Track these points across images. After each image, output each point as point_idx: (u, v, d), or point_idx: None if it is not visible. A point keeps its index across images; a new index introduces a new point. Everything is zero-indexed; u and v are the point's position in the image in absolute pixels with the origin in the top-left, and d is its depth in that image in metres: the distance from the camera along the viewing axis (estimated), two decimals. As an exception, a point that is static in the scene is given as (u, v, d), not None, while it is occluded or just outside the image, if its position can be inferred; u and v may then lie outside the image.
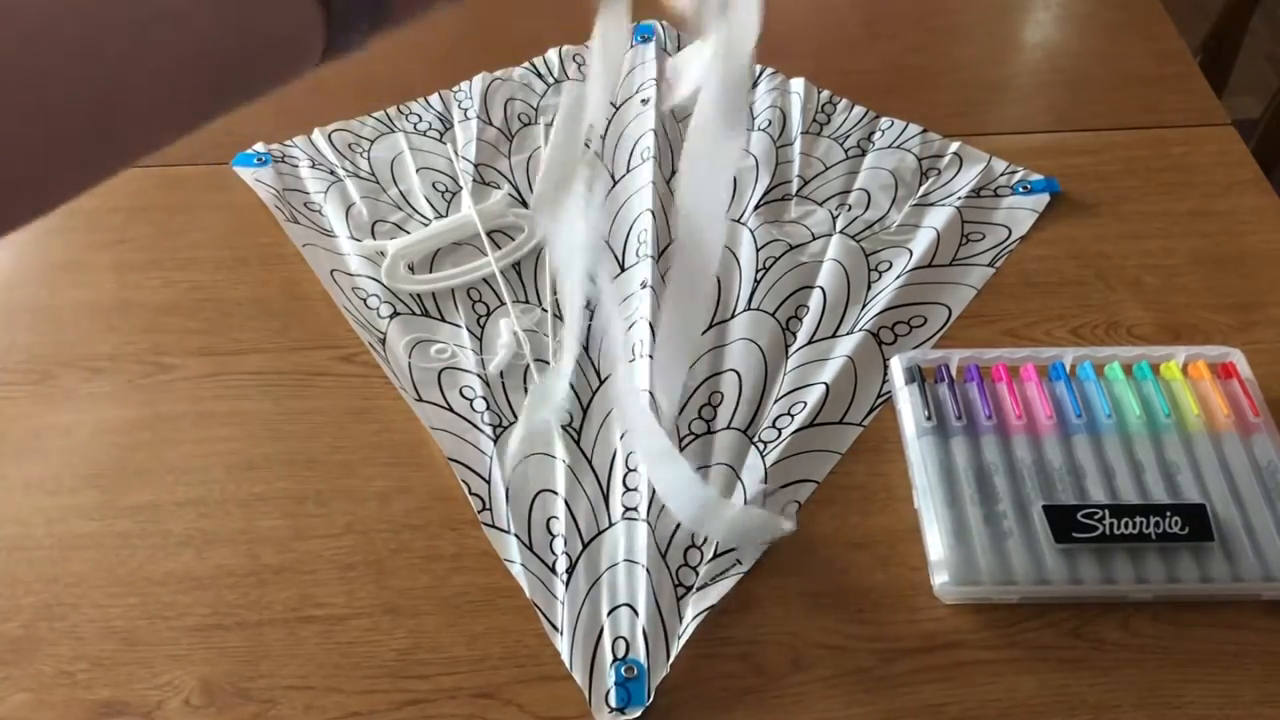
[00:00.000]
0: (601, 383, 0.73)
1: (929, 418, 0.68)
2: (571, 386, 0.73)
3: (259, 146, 0.89)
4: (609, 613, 0.62)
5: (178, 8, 0.32)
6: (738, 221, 0.83)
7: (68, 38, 0.29)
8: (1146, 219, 0.83)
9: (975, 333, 0.76)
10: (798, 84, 0.93)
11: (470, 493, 0.67)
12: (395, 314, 0.77)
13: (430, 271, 0.80)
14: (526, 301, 0.79)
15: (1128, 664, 0.60)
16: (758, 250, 0.80)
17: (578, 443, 0.70)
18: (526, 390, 0.73)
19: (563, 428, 0.70)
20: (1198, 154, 0.87)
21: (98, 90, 0.31)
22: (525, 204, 0.85)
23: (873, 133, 0.90)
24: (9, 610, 0.63)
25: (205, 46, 0.33)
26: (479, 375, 0.73)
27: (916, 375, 0.70)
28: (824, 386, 0.72)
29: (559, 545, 0.65)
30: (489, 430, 0.70)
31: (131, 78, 0.32)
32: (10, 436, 0.72)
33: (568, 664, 0.60)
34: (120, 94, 0.31)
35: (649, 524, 0.65)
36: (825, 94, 0.93)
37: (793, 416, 0.71)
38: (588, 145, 0.58)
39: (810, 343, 0.75)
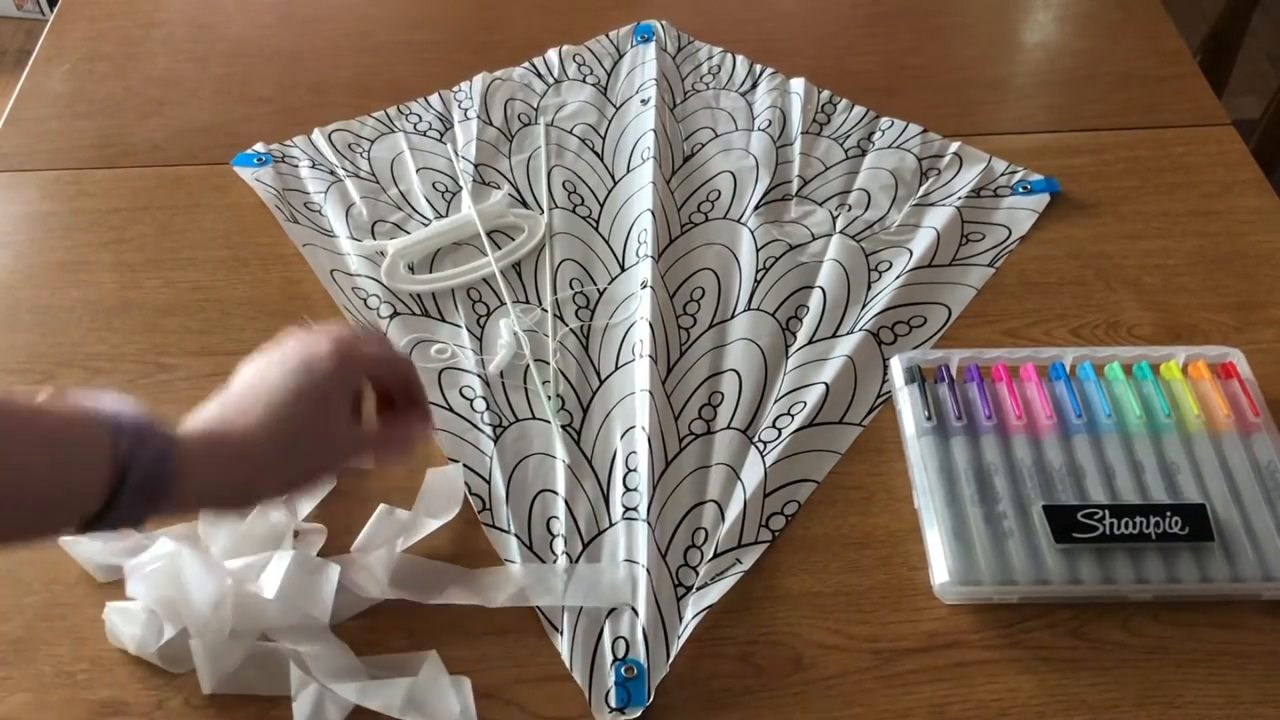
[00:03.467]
0: (602, 383, 0.73)
1: (929, 418, 0.68)
2: (572, 387, 0.73)
3: (259, 146, 0.89)
4: (609, 613, 0.62)
5: (17, 464, 0.46)
6: (738, 222, 0.83)
7: None
8: (1146, 219, 0.83)
9: (975, 333, 0.76)
10: (798, 84, 0.93)
11: (470, 493, 0.67)
12: (395, 314, 0.77)
13: (430, 271, 0.80)
14: (526, 301, 0.79)
15: (1128, 664, 0.60)
16: (758, 250, 0.80)
17: (578, 443, 0.70)
18: (526, 390, 0.73)
19: (562, 428, 0.71)
20: (1198, 154, 0.87)
21: None
22: (525, 204, 0.85)
23: (873, 133, 0.90)
24: (9, 610, 0.63)
25: (32, 489, 0.47)
26: (479, 375, 0.73)
27: (916, 375, 0.70)
28: (824, 386, 0.72)
29: (559, 545, 0.65)
30: (489, 430, 0.70)
31: None
32: (10, 436, 0.71)
33: (568, 664, 0.60)
34: None
35: (649, 524, 0.65)
36: (825, 94, 0.93)
37: (793, 416, 0.71)
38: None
39: (810, 343, 0.75)
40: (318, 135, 0.90)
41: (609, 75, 0.96)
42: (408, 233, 0.83)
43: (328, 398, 0.55)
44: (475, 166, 0.88)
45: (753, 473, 0.68)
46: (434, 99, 0.94)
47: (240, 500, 0.55)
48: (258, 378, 0.55)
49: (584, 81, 0.95)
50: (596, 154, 0.89)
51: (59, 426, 0.48)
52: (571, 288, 0.79)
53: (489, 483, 0.68)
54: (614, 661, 0.60)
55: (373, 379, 0.59)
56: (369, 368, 0.57)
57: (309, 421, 0.54)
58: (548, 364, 0.74)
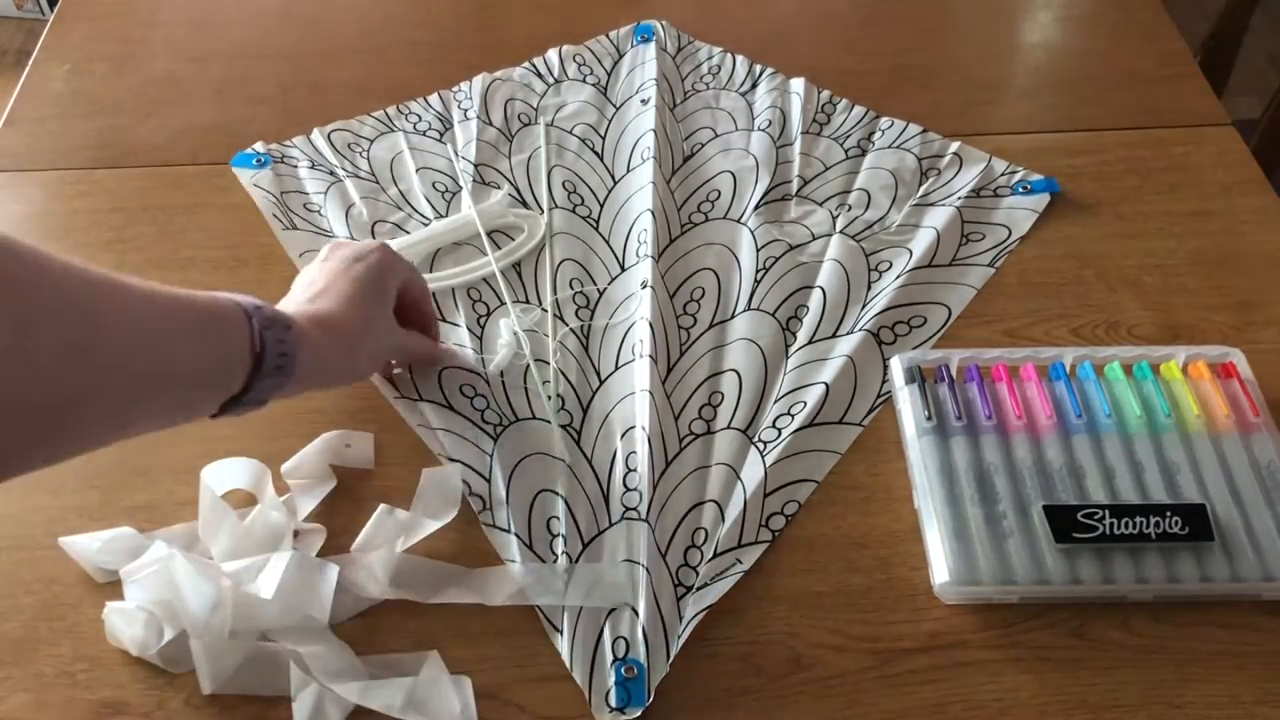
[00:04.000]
0: (602, 382, 0.73)
1: (929, 418, 0.68)
2: (572, 387, 0.73)
3: (259, 146, 0.89)
4: (609, 613, 0.62)
5: (163, 338, 0.50)
6: (738, 222, 0.83)
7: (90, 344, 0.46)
8: (1146, 219, 0.83)
9: (975, 333, 0.76)
10: (798, 84, 0.93)
11: (470, 493, 0.67)
12: (395, 314, 0.77)
13: (430, 271, 0.80)
14: (526, 301, 0.79)
15: (1128, 664, 0.60)
16: (758, 250, 0.80)
17: (578, 443, 0.70)
18: (526, 390, 0.73)
19: (562, 427, 0.71)
20: (1198, 154, 0.87)
21: (94, 384, 0.47)
22: (525, 204, 0.85)
23: (873, 133, 0.90)
24: (9, 610, 0.63)
25: (174, 365, 0.51)
26: (479, 375, 0.73)
27: (916, 375, 0.70)
28: (824, 386, 0.72)
29: (559, 545, 0.65)
30: (489, 430, 0.70)
31: (125, 379, 0.48)
32: (10, 436, 0.71)
33: (568, 664, 0.60)
34: (103, 393, 0.48)
35: (649, 524, 0.65)
36: (825, 94, 0.93)
37: (793, 416, 0.71)
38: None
39: (810, 342, 0.75)
40: (317, 135, 0.90)
41: (609, 75, 0.96)
42: (407, 233, 0.83)
43: (385, 283, 0.65)
44: (475, 166, 0.88)
45: (753, 473, 0.68)
46: (434, 99, 0.94)
47: (337, 374, 0.64)
48: (320, 275, 0.64)
49: (584, 81, 0.95)
50: (596, 154, 0.89)
51: (204, 311, 0.52)
52: (571, 288, 0.79)
53: (489, 482, 0.68)
54: (614, 661, 0.60)
55: (403, 284, 0.67)
56: (405, 269, 0.68)
57: (374, 302, 0.64)
58: (548, 364, 0.74)
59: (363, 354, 0.64)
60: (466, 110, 0.93)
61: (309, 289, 0.63)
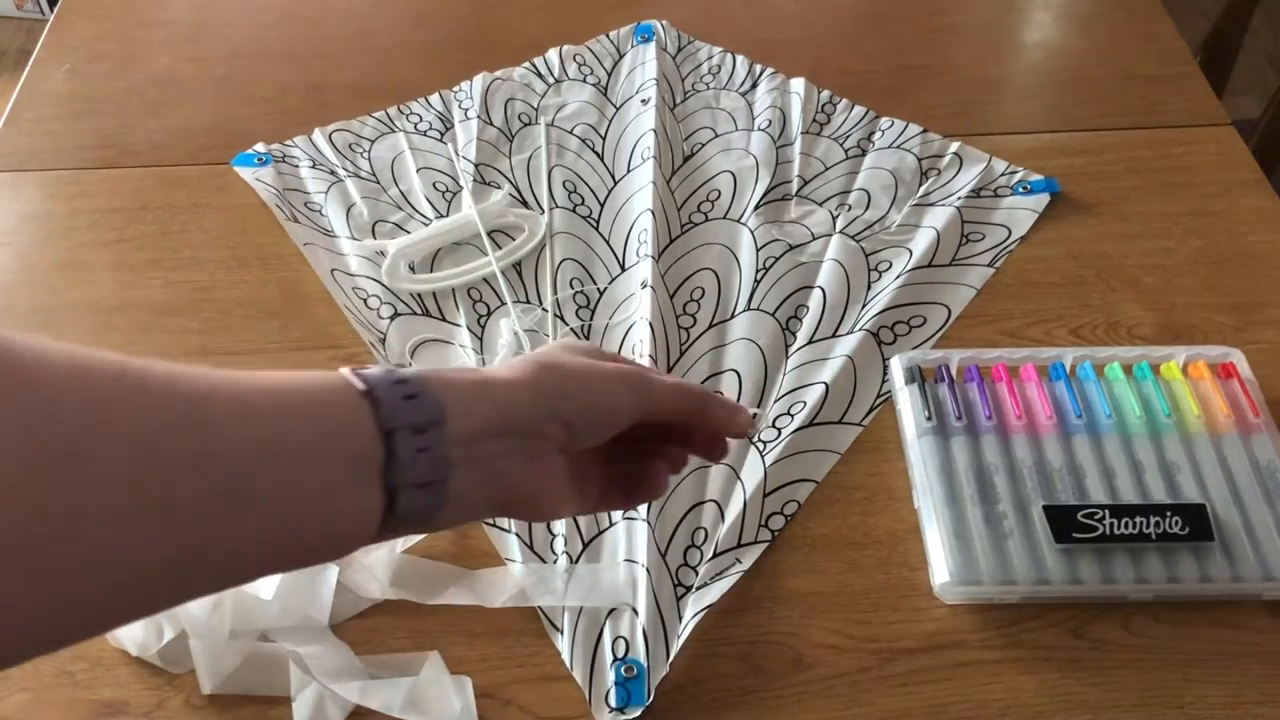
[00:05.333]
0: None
1: (929, 418, 0.68)
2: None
3: (259, 146, 0.89)
4: (609, 613, 0.62)
5: (260, 494, 0.33)
6: (738, 222, 0.83)
7: (157, 499, 0.30)
8: (1146, 219, 0.83)
9: (975, 333, 0.76)
10: (798, 84, 0.93)
11: (470, 493, 0.67)
12: (396, 314, 0.77)
13: (431, 271, 0.80)
14: (527, 301, 0.79)
15: (1128, 664, 0.60)
16: (758, 250, 0.80)
17: (578, 443, 0.70)
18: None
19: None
20: (1198, 154, 0.87)
21: (173, 546, 0.31)
22: (525, 204, 0.85)
23: (873, 133, 0.90)
24: (9, 610, 0.63)
25: (275, 528, 0.34)
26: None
27: (916, 375, 0.70)
28: (824, 386, 0.72)
29: (559, 545, 0.65)
30: (489, 430, 0.70)
31: (202, 542, 0.32)
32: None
33: (568, 664, 0.60)
34: (189, 554, 0.32)
35: (649, 524, 0.65)
36: (825, 94, 0.93)
37: (793, 416, 0.71)
38: None
39: (810, 342, 0.75)
40: (318, 135, 0.90)
41: (609, 75, 0.96)
42: (408, 232, 0.83)
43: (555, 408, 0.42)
44: (475, 166, 0.88)
45: (752, 472, 0.68)
46: (434, 99, 0.94)
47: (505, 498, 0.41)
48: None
49: (584, 81, 0.95)
50: (597, 154, 0.89)
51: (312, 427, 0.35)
52: (572, 287, 0.79)
53: (489, 483, 0.68)
54: (614, 661, 0.60)
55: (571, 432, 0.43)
56: (585, 404, 0.43)
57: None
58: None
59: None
60: (467, 110, 0.93)
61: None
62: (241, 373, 0.34)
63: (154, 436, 0.31)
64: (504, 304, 0.78)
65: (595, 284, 0.80)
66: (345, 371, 0.36)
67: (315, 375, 0.36)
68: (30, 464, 0.28)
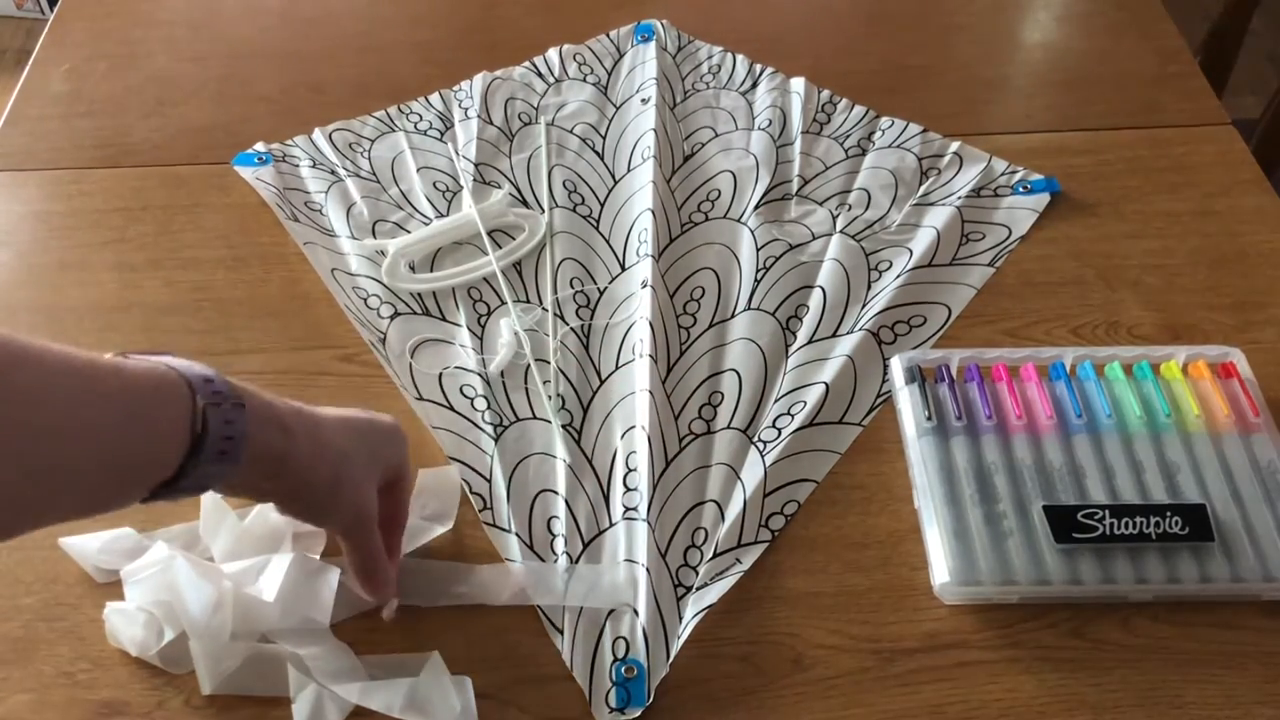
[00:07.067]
0: (602, 382, 0.73)
1: (929, 418, 0.68)
2: (572, 386, 0.73)
3: (259, 146, 0.89)
4: (609, 613, 0.62)
5: (96, 422, 0.43)
6: (738, 221, 0.83)
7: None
8: (1146, 219, 0.83)
9: (975, 333, 0.76)
10: (798, 84, 0.93)
11: (471, 492, 0.67)
12: (396, 314, 0.77)
13: (431, 271, 0.80)
14: (527, 301, 0.79)
15: (1128, 664, 0.60)
16: (758, 250, 0.80)
17: (578, 442, 0.70)
18: (527, 389, 0.73)
19: (563, 427, 0.71)
20: (1198, 154, 0.87)
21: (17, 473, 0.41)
22: (525, 203, 0.85)
23: (873, 132, 0.90)
24: (9, 610, 0.63)
25: (104, 455, 0.44)
26: (479, 374, 0.73)
27: (916, 375, 0.70)
28: (824, 386, 0.72)
29: (559, 545, 0.65)
30: (489, 429, 0.70)
31: (41, 464, 0.42)
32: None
33: (568, 664, 0.60)
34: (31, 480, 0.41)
35: (649, 524, 0.65)
36: (825, 94, 0.93)
37: (793, 416, 0.71)
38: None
39: (810, 342, 0.75)
40: (318, 135, 0.90)
41: (609, 75, 0.96)
42: (408, 232, 0.83)
43: (377, 446, 0.57)
44: (476, 166, 0.88)
45: (753, 472, 0.68)
46: (434, 98, 0.94)
47: (306, 488, 0.53)
48: (323, 409, 0.56)
49: (584, 81, 0.95)
50: (597, 153, 0.89)
51: (138, 384, 0.45)
52: (572, 287, 0.79)
53: (489, 482, 0.68)
54: (614, 661, 0.60)
55: (397, 462, 0.60)
56: (403, 453, 0.60)
57: (359, 446, 0.55)
58: (548, 363, 0.74)
59: (327, 476, 0.53)
60: (467, 110, 0.93)
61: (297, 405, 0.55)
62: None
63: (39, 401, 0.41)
64: (504, 303, 0.78)
65: (595, 283, 0.80)
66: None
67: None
68: None
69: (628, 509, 0.66)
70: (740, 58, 0.97)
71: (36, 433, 0.41)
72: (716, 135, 0.90)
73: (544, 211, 0.84)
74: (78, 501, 0.45)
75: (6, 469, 0.40)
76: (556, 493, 0.67)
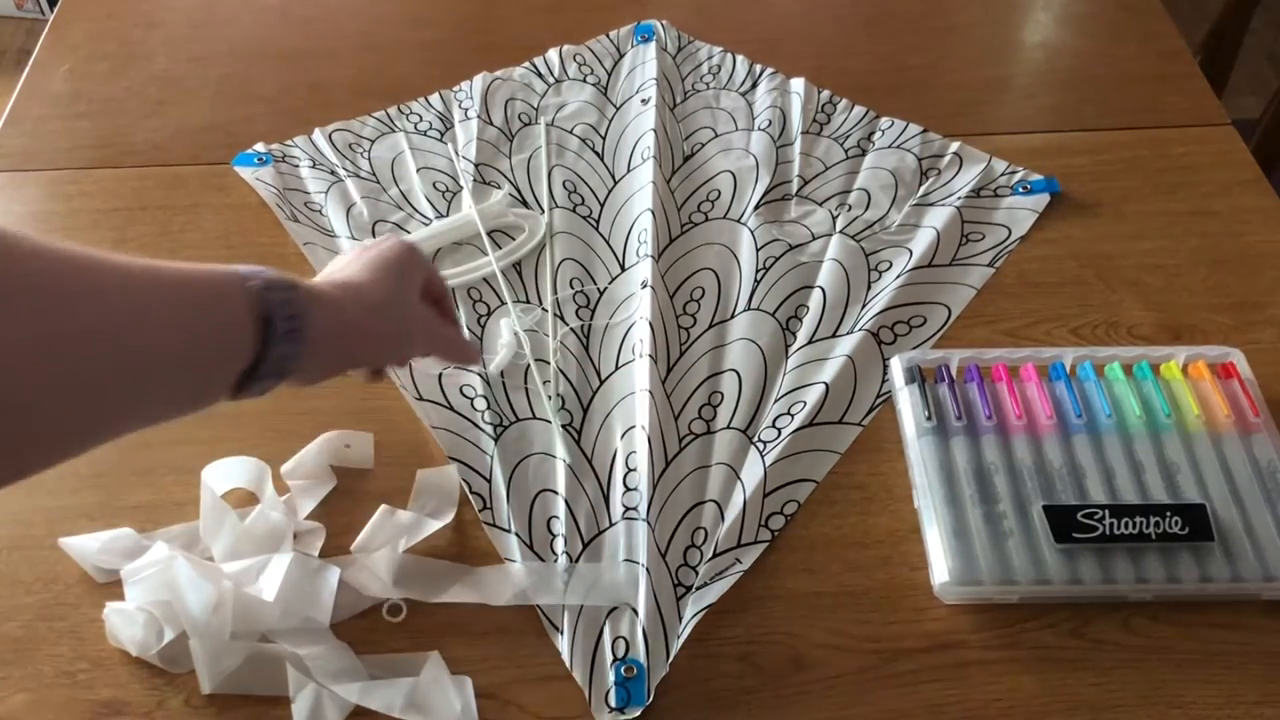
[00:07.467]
0: (602, 382, 0.73)
1: (929, 418, 0.68)
2: (572, 387, 0.73)
3: (259, 146, 0.89)
4: (609, 613, 0.62)
5: (151, 312, 0.44)
6: (738, 221, 0.83)
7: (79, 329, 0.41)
8: (1146, 219, 0.83)
9: (975, 333, 0.76)
10: (798, 84, 0.93)
11: (471, 492, 0.67)
12: (395, 314, 0.77)
13: (430, 271, 0.80)
14: (526, 301, 0.79)
15: (1128, 664, 0.60)
16: (758, 250, 0.80)
17: (578, 442, 0.70)
18: (527, 390, 0.73)
19: (563, 427, 0.71)
20: (1198, 154, 0.87)
21: (88, 373, 0.42)
22: (525, 204, 0.85)
23: (873, 133, 0.90)
24: (9, 610, 0.63)
25: (165, 345, 0.45)
26: (479, 374, 0.73)
27: (916, 375, 0.70)
28: (824, 386, 0.72)
29: (559, 545, 0.65)
30: (489, 429, 0.70)
31: (110, 365, 0.43)
32: (10, 436, 0.71)
33: (568, 664, 0.60)
34: (100, 379, 0.42)
35: (649, 524, 0.65)
36: (825, 94, 0.93)
37: (792, 416, 0.71)
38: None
39: (810, 342, 0.75)
40: (318, 135, 0.90)
41: (609, 75, 0.96)
42: (408, 232, 0.83)
43: (406, 266, 0.59)
44: (476, 166, 0.88)
45: (752, 472, 0.68)
46: (434, 99, 0.94)
47: (365, 344, 0.57)
48: (338, 263, 0.60)
49: (584, 81, 0.95)
50: (597, 154, 0.89)
51: (197, 283, 0.47)
52: (572, 287, 0.79)
53: (489, 482, 0.68)
54: (614, 661, 0.60)
55: (426, 277, 0.63)
56: (425, 263, 0.62)
57: (398, 276, 0.58)
58: (548, 364, 0.74)
59: (391, 324, 0.58)
60: (467, 110, 0.93)
61: (327, 274, 0.58)
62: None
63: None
64: (504, 304, 0.78)
65: (595, 284, 0.80)
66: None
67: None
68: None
69: (628, 509, 0.66)
70: (740, 58, 0.97)
71: (120, 326, 0.43)
72: (716, 135, 0.90)
73: (544, 212, 0.84)
74: (167, 394, 0.47)
75: (100, 363, 0.42)
76: (556, 493, 0.67)
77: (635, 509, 0.66)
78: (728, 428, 0.71)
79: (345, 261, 0.60)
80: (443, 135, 0.91)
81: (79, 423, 0.43)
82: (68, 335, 0.40)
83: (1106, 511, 0.63)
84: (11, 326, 0.38)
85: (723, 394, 0.73)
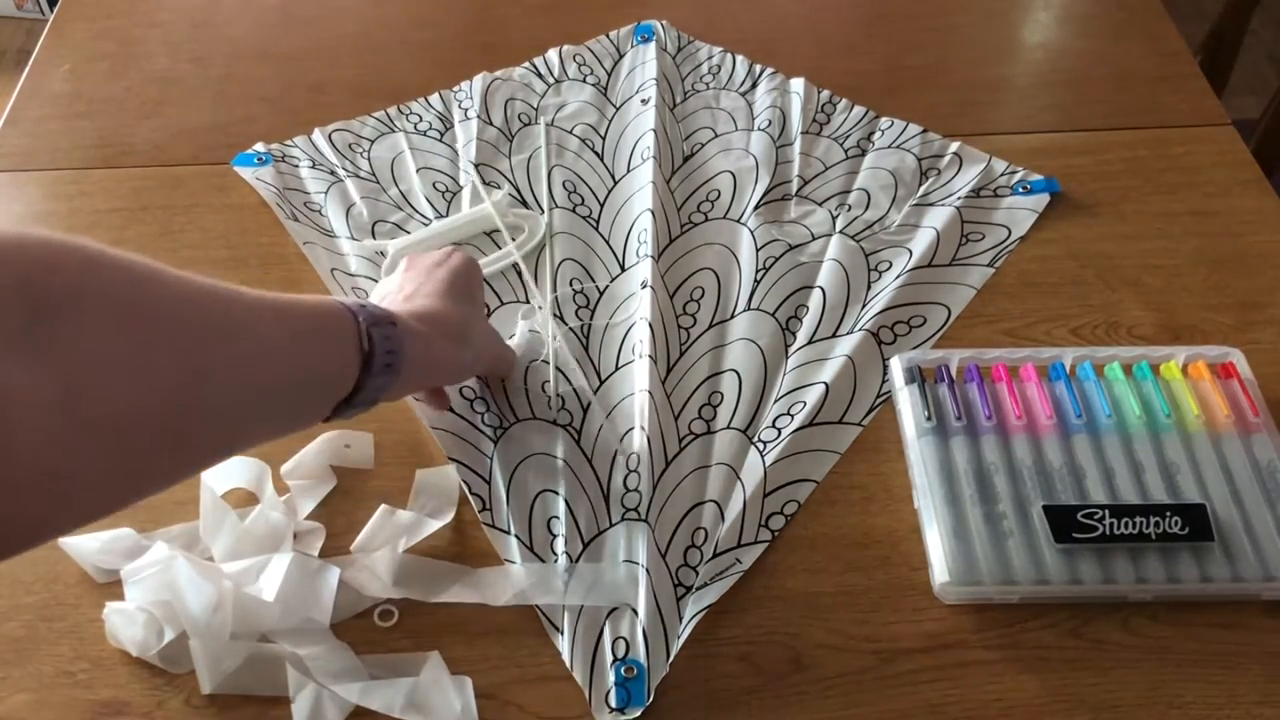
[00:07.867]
0: (602, 382, 0.73)
1: (929, 418, 0.68)
2: (572, 387, 0.73)
3: (259, 146, 0.89)
4: (609, 613, 0.62)
5: (276, 346, 0.49)
6: (738, 222, 0.83)
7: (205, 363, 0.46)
8: (1146, 219, 0.83)
9: (975, 333, 0.76)
10: (798, 84, 0.93)
11: (471, 493, 0.67)
12: (395, 314, 0.77)
13: (430, 271, 0.80)
14: (527, 301, 0.79)
15: (1128, 664, 0.60)
16: (758, 250, 0.80)
17: (578, 443, 0.70)
18: (526, 390, 0.73)
19: (563, 427, 0.71)
20: (1198, 154, 0.87)
21: (216, 402, 0.46)
22: (525, 204, 0.85)
23: (873, 133, 0.90)
24: (9, 610, 0.63)
25: (287, 377, 0.50)
26: (479, 374, 0.73)
27: (916, 375, 0.70)
28: (824, 386, 0.72)
29: (559, 545, 0.65)
30: (489, 430, 0.70)
31: (242, 397, 0.47)
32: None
33: (568, 664, 0.60)
34: (221, 405, 0.46)
35: (649, 524, 0.65)
36: (825, 94, 0.93)
37: (792, 416, 0.71)
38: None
39: (810, 342, 0.75)
40: (318, 135, 0.90)
41: (609, 75, 0.96)
42: (408, 232, 0.83)
43: (472, 284, 0.65)
44: (476, 166, 0.88)
45: (752, 472, 0.68)
46: (434, 99, 0.94)
47: (444, 371, 0.63)
48: (405, 281, 0.64)
49: (584, 81, 0.95)
50: (596, 154, 0.89)
51: (313, 314, 0.52)
52: (572, 287, 0.79)
53: (489, 483, 0.68)
54: (614, 661, 0.60)
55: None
56: (482, 279, 0.68)
57: (467, 299, 0.64)
58: (548, 364, 0.74)
59: (468, 349, 0.63)
60: (467, 110, 0.93)
61: (399, 294, 0.63)
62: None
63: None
64: (504, 304, 0.78)
65: (595, 284, 0.80)
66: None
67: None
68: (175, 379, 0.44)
69: (628, 509, 0.66)
70: (740, 58, 0.97)
71: (253, 361, 0.48)
72: (716, 136, 0.90)
73: (544, 212, 0.84)
74: (285, 419, 0.52)
75: (236, 390, 0.47)
76: (556, 493, 0.67)
77: (635, 509, 0.66)
78: (728, 428, 0.71)
79: (411, 276, 0.64)
80: (442, 135, 0.91)
81: (211, 447, 0.48)
82: (213, 366, 0.45)
83: (1106, 511, 0.63)
84: (167, 357, 0.43)
85: (723, 394, 0.73)
